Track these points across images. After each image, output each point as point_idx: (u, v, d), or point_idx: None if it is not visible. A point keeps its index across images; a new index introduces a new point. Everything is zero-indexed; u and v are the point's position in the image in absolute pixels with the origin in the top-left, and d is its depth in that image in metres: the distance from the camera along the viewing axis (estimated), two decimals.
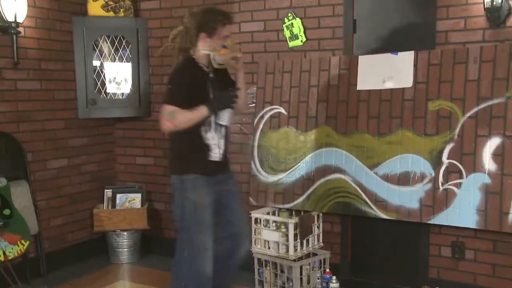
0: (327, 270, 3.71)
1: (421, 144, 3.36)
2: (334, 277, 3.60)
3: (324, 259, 3.76)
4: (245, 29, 4.06)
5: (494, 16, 3.15)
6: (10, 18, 3.65)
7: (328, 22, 3.73)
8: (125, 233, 4.36)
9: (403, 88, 3.41)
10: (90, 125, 4.51)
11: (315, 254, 3.74)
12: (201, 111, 2.78)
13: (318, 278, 3.72)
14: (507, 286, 3.30)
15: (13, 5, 3.63)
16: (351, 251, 3.82)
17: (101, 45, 4.41)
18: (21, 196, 3.76)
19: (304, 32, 3.81)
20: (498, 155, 3.13)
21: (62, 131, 4.28)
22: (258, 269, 3.78)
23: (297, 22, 3.82)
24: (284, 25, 3.88)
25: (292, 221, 3.53)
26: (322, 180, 3.65)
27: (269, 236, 3.66)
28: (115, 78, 4.50)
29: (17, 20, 3.69)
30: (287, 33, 3.87)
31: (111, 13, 4.34)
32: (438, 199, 3.30)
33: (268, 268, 3.73)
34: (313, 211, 3.69)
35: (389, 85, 3.45)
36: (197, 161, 2.87)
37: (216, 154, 2.91)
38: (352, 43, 3.67)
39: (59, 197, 4.27)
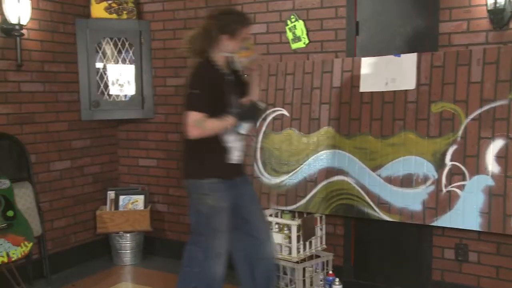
0: (330, 272, 3.71)
1: (424, 146, 3.35)
2: (337, 279, 3.60)
3: (327, 261, 3.75)
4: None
5: (497, 18, 3.15)
6: (13, 20, 3.66)
7: (331, 24, 3.73)
8: (128, 234, 4.37)
9: (406, 90, 3.40)
10: (93, 127, 4.52)
11: (318, 256, 3.73)
12: (228, 121, 2.78)
13: (321, 280, 3.72)
14: None
15: (17, 7, 3.64)
16: (354, 253, 3.81)
17: (104, 47, 4.42)
18: (24, 198, 3.78)
19: (307, 34, 3.81)
20: (501, 157, 3.13)
21: (65, 133, 4.29)
22: None
23: (300, 24, 3.82)
24: (286, 27, 3.88)
25: (295, 223, 3.53)
26: (325, 182, 3.65)
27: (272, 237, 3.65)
28: (118, 80, 4.51)
29: (21, 23, 3.70)
30: (289, 35, 3.88)
31: (114, 15, 4.35)
32: (441, 201, 3.30)
33: None
34: (316, 213, 3.69)
35: (392, 87, 3.44)
36: (216, 164, 2.84)
37: (234, 157, 2.89)
38: (355, 45, 3.67)
39: (62, 198, 4.28)
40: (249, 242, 2.97)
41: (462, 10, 3.29)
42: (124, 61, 4.49)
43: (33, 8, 3.84)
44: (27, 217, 3.64)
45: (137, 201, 4.45)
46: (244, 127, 2.88)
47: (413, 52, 3.39)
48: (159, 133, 4.58)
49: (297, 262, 3.55)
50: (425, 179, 3.35)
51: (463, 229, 3.30)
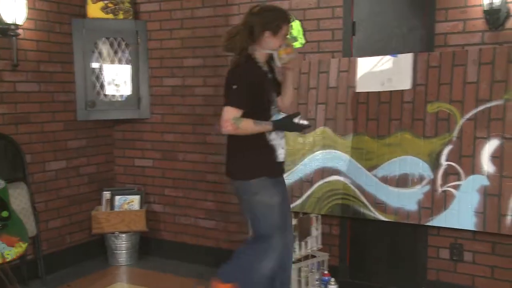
0: (326, 272, 3.70)
1: (420, 146, 3.36)
2: (332, 279, 3.60)
3: (323, 261, 3.75)
4: None
5: (493, 18, 3.16)
6: (9, 20, 3.65)
7: (328, 24, 3.74)
8: (124, 235, 4.36)
9: (402, 90, 3.41)
10: (89, 127, 4.51)
11: (313, 256, 3.72)
12: (266, 127, 2.77)
13: (317, 280, 3.71)
14: None
15: (13, 7, 3.63)
16: (350, 253, 3.82)
17: (100, 47, 4.41)
18: (19, 198, 3.76)
19: (304, 34, 3.82)
20: (496, 157, 3.14)
21: (61, 133, 4.28)
22: None
23: (297, 24, 3.82)
24: None
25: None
26: (321, 182, 3.65)
27: None
28: (114, 80, 4.50)
29: (17, 22, 3.69)
30: None
31: (111, 15, 4.35)
32: (436, 201, 3.31)
33: None
34: (312, 213, 3.69)
35: (388, 87, 3.45)
36: (264, 163, 2.84)
37: (280, 154, 2.89)
38: (351, 45, 3.68)
39: (57, 199, 4.27)
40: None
41: (458, 11, 3.30)
42: (120, 61, 4.48)
43: (29, 8, 3.82)
44: (22, 217, 3.63)
45: (133, 202, 4.44)
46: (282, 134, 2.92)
47: (409, 52, 3.40)
48: (155, 133, 4.57)
49: (293, 262, 3.54)
50: (421, 179, 3.36)
51: (458, 228, 3.31)
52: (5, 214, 3.46)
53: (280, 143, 2.88)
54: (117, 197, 4.44)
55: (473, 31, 3.27)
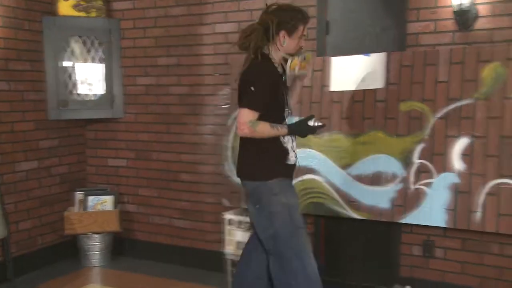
0: None
1: (393, 145, 3.40)
2: None
3: None
4: (219, 30, 4.06)
5: (462, 19, 3.22)
6: None
7: None
8: (97, 235, 4.30)
9: (375, 89, 3.45)
10: (61, 126, 4.43)
11: None
12: (282, 131, 2.73)
13: None
14: (474, 283, 3.37)
15: None
16: (324, 251, 3.84)
17: (72, 45, 4.34)
18: None
19: None
20: (466, 155, 3.20)
21: (32, 133, 4.19)
22: (231, 270, 3.77)
23: None
24: None
25: None
26: (295, 180, 3.66)
27: (242, 237, 3.65)
28: (87, 79, 4.44)
29: None
30: None
31: (83, 13, 4.28)
32: (409, 199, 3.35)
33: None
34: None
35: (362, 86, 3.49)
36: (279, 165, 2.77)
37: (292, 157, 2.82)
38: (325, 44, 3.70)
39: (28, 200, 4.18)
40: None
41: (429, 11, 3.35)
42: (93, 60, 4.42)
43: None
44: None
45: (106, 202, 4.39)
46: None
47: (382, 52, 3.43)
48: (129, 133, 4.52)
49: None
50: (394, 177, 3.40)
51: (431, 226, 3.36)
52: None
53: (292, 146, 2.83)
54: (90, 198, 4.38)
55: (444, 31, 3.32)
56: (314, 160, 3.62)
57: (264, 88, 2.63)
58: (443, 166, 3.26)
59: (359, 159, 3.50)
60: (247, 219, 3.67)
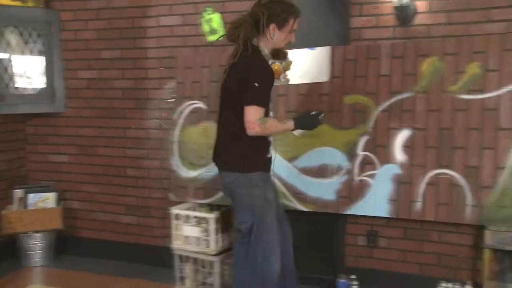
0: None
1: (337, 137, 3.46)
2: None
3: None
4: (164, 23, 4.00)
5: (402, 14, 3.31)
6: None
7: None
8: (38, 234, 4.15)
9: (320, 83, 3.49)
10: None
11: None
12: (289, 126, 2.77)
13: None
14: (415, 270, 3.49)
15: None
16: None
17: (8, 36, 4.15)
18: None
19: (224, 27, 3.81)
20: (408, 146, 3.30)
21: None
22: (179, 265, 3.74)
23: (216, 17, 3.81)
24: (202, 20, 3.85)
25: (213, 216, 3.52)
26: None
27: (190, 231, 3.62)
28: (25, 72, 4.27)
29: None
30: (206, 28, 3.85)
31: (19, 3, 4.09)
32: (353, 190, 3.43)
33: (189, 264, 3.69)
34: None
35: (307, 79, 3.52)
36: (261, 158, 2.78)
37: (271, 150, 2.84)
38: None
39: None
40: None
41: (372, 6, 3.42)
42: (32, 52, 4.25)
43: None
44: None
45: (48, 199, 4.24)
46: (299, 131, 2.90)
47: (326, 46, 3.47)
48: (71, 128, 4.39)
49: (216, 255, 3.55)
50: (339, 169, 3.47)
51: (374, 216, 3.45)
52: None
53: (271, 139, 2.85)
54: (30, 195, 4.21)
55: (385, 26, 3.40)
56: None
57: (266, 83, 2.64)
58: (386, 157, 3.35)
59: (305, 152, 3.54)
60: (195, 213, 3.65)
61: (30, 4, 4.14)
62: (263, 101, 2.64)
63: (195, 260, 3.66)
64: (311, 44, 3.55)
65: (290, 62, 2.93)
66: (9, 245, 4.25)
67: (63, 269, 4.13)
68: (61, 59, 4.32)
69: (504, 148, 3.08)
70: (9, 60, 4.17)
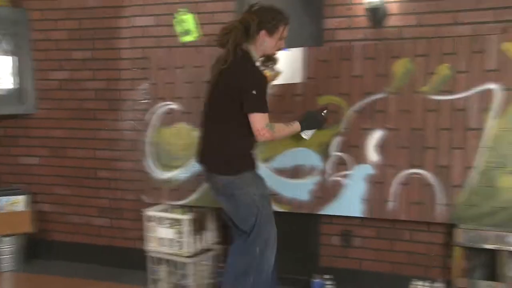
0: (222, 265, 3.72)
1: (311, 138, 3.46)
2: None
3: (219, 254, 3.76)
4: (136, 24, 3.96)
5: (374, 16, 3.35)
6: None
7: (221, 17, 3.74)
8: (8, 238, 4.06)
9: (293, 84, 3.51)
10: None
11: (210, 250, 3.73)
12: (295, 127, 2.93)
13: (213, 274, 3.72)
14: (388, 269, 3.54)
15: None
16: None
17: None
18: None
19: (197, 28, 3.80)
20: (380, 147, 3.33)
21: None
22: (153, 267, 3.70)
23: (189, 17, 3.79)
24: (175, 20, 3.83)
25: (187, 218, 3.50)
26: None
27: (164, 233, 3.60)
28: None
29: None
30: (179, 28, 3.83)
31: None
32: (327, 191, 3.45)
33: (163, 266, 3.67)
34: (208, 206, 3.68)
35: (280, 80, 3.52)
36: (250, 157, 2.84)
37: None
38: None
39: None
40: None
41: (344, 8, 3.45)
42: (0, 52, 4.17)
43: None
44: None
45: (18, 202, 4.15)
46: (307, 134, 3.07)
47: (300, 47, 3.49)
48: (42, 130, 4.31)
49: (190, 257, 3.53)
50: (313, 169, 3.48)
51: (349, 216, 3.47)
52: None
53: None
54: None
55: (357, 27, 3.44)
56: None
57: (263, 88, 2.71)
58: (359, 158, 3.38)
59: (279, 153, 3.55)
60: (169, 215, 3.62)
61: None
62: (265, 106, 2.70)
63: (169, 262, 3.63)
64: (285, 45, 3.55)
65: (278, 73, 2.98)
66: None
67: (34, 274, 4.05)
68: (31, 59, 4.24)
69: (473, 148, 3.14)
70: None
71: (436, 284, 3.30)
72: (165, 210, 3.76)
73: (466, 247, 3.18)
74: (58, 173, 4.30)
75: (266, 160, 3.56)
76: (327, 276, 3.53)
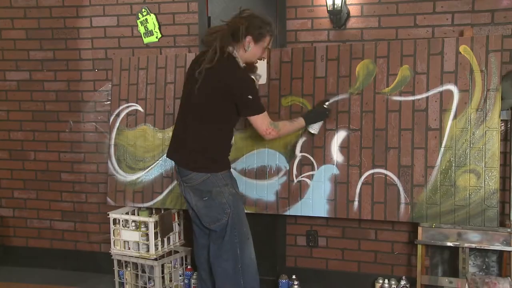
0: (189, 267, 3.72)
1: (276, 139, 3.47)
2: (196, 274, 3.61)
3: (186, 256, 3.75)
4: (97, 24, 3.89)
5: (336, 18, 3.37)
6: None
7: (183, 18, 3.71)
8: None
9: (258, 85, 3.50)
10: None
11: (176, 252, 3.71)
12: (300, 123, 3.09)
13: (180, 276, 3.71)
14: (353, 267, 3.59)
15: None
16: None
17: None
18: None
19: (159, 28, 3.75)
20: (344, 147, 3.36)
21: None
22: (118, 271, 3.66)
23: (152, 18, 3.74)
24: (138, 21, 3.78)
25: (152, 220, 3.47)
26: None
27: (129, 236, 3.56)
28: None
29: None
30: (141, 29, 3.78)
31: None
32: (293, 191, 3.46)
33: (129, 269, 3.63)
34: (173, 208, 3.66)
35: None
36: (226, 157, 2.88)
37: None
38: None
39: None
40: None
41: (306, 9, 3.46)
42: None
43: None
44: None
45: None
46: (315, 128, 3.21)
47: None
48: (1, 132, 4.20)
49: (156, 259, 3.50)
50: (278, 170, 3.49)
51: (314, 216, 3.50)
52: None
53: (233, 141, 2.96)
54: None
55: (320, 29, 3.46)
56: None
57: (256, 90, 2.79)
58: (323, 158, 3.40)
59: (244, 154, 3.54)
60: (134, 217, 3.58)
61: None
62: (261, 106, 2.81)
63: (136, 265, 3.60)
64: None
65: (258, 80, 3.12)
66: None
67: None
68: None
69: (433, 148, 3.20)
70: None
71: (401, 282, 3.36)
72: (130, 213, 3.72)
73: (428, 245, 3.25)
74: (19, 176, 4.20)
75: (231, 161, 3.54)
76: (293, 276, 3.56)
